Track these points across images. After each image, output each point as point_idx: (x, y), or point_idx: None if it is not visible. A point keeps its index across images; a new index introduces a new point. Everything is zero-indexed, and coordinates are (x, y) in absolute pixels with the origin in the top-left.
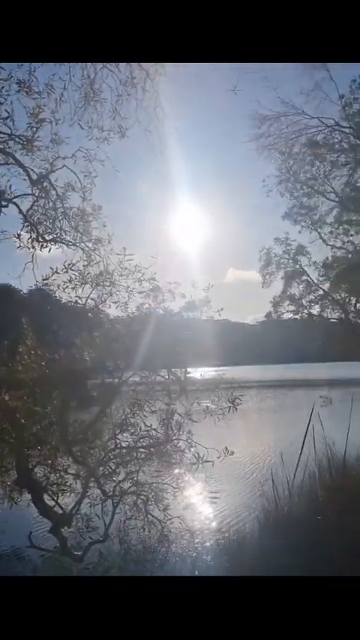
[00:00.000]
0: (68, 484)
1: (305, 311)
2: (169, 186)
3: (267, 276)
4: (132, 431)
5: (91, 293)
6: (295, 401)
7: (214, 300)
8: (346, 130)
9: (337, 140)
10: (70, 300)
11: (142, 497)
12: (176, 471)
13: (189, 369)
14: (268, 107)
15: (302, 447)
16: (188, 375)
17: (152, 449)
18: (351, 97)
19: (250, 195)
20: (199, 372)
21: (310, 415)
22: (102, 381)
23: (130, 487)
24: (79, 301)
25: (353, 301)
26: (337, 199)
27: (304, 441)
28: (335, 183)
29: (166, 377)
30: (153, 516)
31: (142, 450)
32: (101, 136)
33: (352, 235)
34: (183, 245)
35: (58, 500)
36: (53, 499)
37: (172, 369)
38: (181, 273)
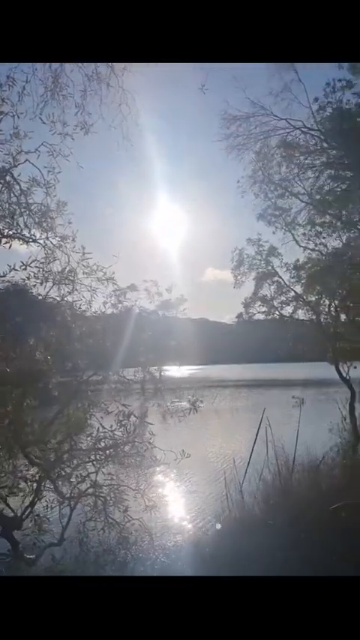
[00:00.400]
0: (20, 486)
1: (277, 312)
2: (147, 186)
3: (239, 277)
4: (89, 432)
5: (49, 290)
6: (270, 400)
7: (192, 299)
8: (314, 133)
9: (305, 142)
10: (34, 296)
11: (101, 498)
12: (137, 471)
13: (166, 368)
14: (237, 107)
15: (252, 451)
16: (164, 374)
17: (110, 450)
18: (325, 101)
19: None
20: (175, 371)
21: (260, 420)
22: (58, 380)
23: (87, 489)
24: (39, 298)
25: (327, 303)
26: (309, 201)
27: (253, 446)
28: (307, 184)
29: (135, 376)
30: (112, 518)
31: (99, 451)
32: (64, 132)
33: (324, 237)
34: (162, 244)
35: (11, 503)
36: (4, 501)
37: (148, 368)
38: (160, 271)
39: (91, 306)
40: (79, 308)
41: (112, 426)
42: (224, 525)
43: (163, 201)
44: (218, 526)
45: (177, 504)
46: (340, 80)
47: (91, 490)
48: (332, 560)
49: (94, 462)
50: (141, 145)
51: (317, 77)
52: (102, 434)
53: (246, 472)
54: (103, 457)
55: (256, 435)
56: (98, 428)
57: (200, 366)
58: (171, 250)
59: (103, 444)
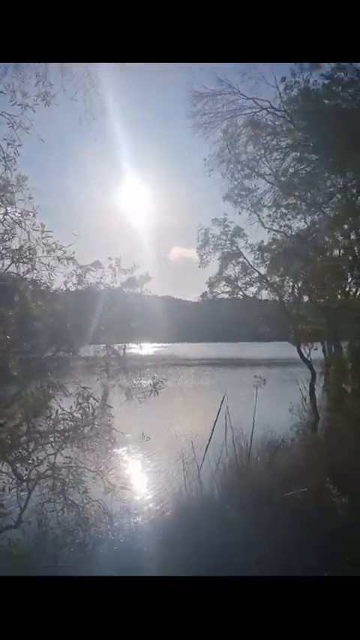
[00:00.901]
0: None
1: (240, 292)
2: (113, 162)
3: (204, 256)
4: (48, 415)
5: (7, 268)
6: (234, 379)
7: (158, 277)
8: (280, 114)
9: (272, 123)
10: None
11: (60, 480)
12: (97, 453)
13: (131, 345)
14: (204, 84)
15: (210, 436)
16: (128, 352)
17: (69, 433)
18: (292, 80)
19: (194, 173)
20: (139, 349)
21: (220, 407)
22: (17, 361)
23: (46, 471)
24: None
25: (290, 284)
26: (275, 182)
27: (212, 431)
28: (273, 165)
29: (98, 354)
30: (70, 500)
31: (57, 433)
32: (24, 103)
33: (289, 219)
34: (128, 220)
35: None
36: None
37: (112, 346)
38: (125, 249)
39: (51, 285)
40: (40, 286)
41: (71, 408)
42: (180, 506)
43: (130, 178)
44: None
45: (137, 485)
46: None
47: (49, 472)
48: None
49: (53, 444)
50: (105, 119)
51: None
52: (61, 416)
53: (204, 456)
54: (62, 439)
55: (215, 421)
56: (57, 410)
57: (165, 344)
58: (137, 228)
59: (62, 427)
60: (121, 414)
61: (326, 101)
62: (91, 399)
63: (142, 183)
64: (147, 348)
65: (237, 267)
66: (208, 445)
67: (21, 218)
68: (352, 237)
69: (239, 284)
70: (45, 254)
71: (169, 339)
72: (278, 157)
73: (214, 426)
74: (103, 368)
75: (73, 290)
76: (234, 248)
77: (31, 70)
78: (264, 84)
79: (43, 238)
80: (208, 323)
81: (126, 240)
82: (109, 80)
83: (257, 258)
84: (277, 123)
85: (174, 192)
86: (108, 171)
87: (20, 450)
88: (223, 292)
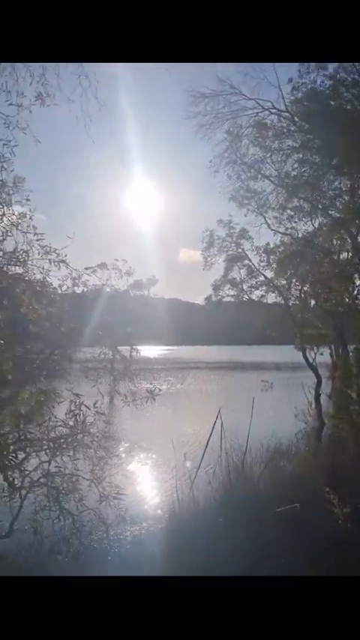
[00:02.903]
0: None
1: (246, 296)
2: (121, 164)
3: (209, 258)
4: (41, 421)
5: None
6: (241, 383)
7: (166, 280)
8: (284, 115)
9: (274, 124)
10: None
11: (54, 488)
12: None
13: (138, 348)
14: (205, 85)
15: (205, 448)
16: (136, 355)
17: (63, 440)
18: (299, 82)
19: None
20: (146, 351)
21: (215, 421)
22: (9, 366)
23: (39, 478)
24: None
25: (296, 288)
26: (280, 184)
27: (207, 442)
28: (278, 167)
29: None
30: (65, 509)
31: (51, 441)
32: (18, 102)
33: (295, 222)
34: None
35: None
36: None
37: (116, 348)
38: (133, 251)
39: (48, 288)
40: (36, 289)
41: (66, 414)
42: (173, 519)
43: (137, 180)
44: None
45: (133, 494)
46: None
47: (43, 480)
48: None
49: (47, 452)
50: (107, 121)
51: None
52: (53, 423)
53: (199, 465)
54: (56, 446)
55: (212, 429)
56: (50, 417)
57: (172, 347)
58: (145, 230)
59: (54, 434)
60: (127, 415)
61: (332, 102)
62: (83, 405)
63: (149, 184)
64: (153, 351)
65: (242, 270)
66: (203, 455)
67: (18, 220)
68: None
69: (244, 287)
70: (40, 256)
71: (176, 341)
72: (280, 159)
73: (210, 435)
74: (102, 371)
75: (69, 293)
76: (239, 250)
77: (27, 69)
78: (266, 84)
79: (37, 241)
80: (215, 326)
81: (133, 242)
82: (110, 80)
83: (263, 261)
84: (279, 124)
85: (182, 192)
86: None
87: (11, 457)
88: (228, 295)
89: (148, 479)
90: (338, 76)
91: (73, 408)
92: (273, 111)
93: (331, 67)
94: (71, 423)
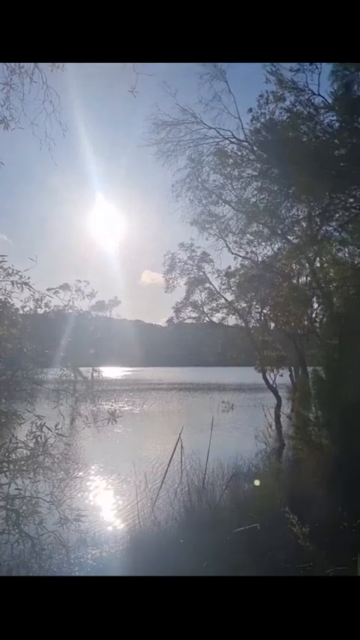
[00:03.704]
0: None
1: (207, 318)
2: (84, 187)
3: (170, 281)
4: (1, 443)
5: None
6: (202, 404)
7: (129, 301)
8: (244, 144)
9: (234, 153)
10: None
11: (13, 511)
12: (53, 483)
13: (99, 369)
14: (167, 113)
15: (166, 470)
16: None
17: (23, 462)
18: (259, 112)
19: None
20: (109, 372)
21: (176, 442)
22: None
23: None
24: None
25: (256, 311)
26: (243, 210)
27: (168, 465)
28: (237, 193)
29: (62, 377)
30: (24, 532)
31: (8, 463)
32: None
33: (255, 246)
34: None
35: None
36: None
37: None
38: (97, 273)
39: (10, 309)
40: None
41: (26, 436)
42: (134, 540)
43: (100, 203)
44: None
45: (97, 515)
46: (272, 92)
47: (2, 503)
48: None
49: (7, 474)
50: (70, 145)
51: (248, 90)
52: (14, 445)
53: (160, 487)
54: (16, 468)
55: (173, 452)
56: (11, 438)
57: (135, 368)
58: (108, 252)
59: (14, 456)
60: (86, 437)
61: (289, 134)
62: (45, 427)
63: (111, 207)
64: (116, 372)
65: (203, 293)
66: (164, 476)
67: None
68: (317, 264)
69: (205, 309)
70: (2, 278)
71: (138, 362)
72: (241, 186)
73: (171, 457)
74: (64, 393)
75: (31, 314)
76: (200, 273)
77: None
78: (226, 115)
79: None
80: (176, 347)
81: (96, 264)
82: (74, 106)
83: (224, 284)
84: (239, 153)
85: (145, 215)
86: (78, 196)
87: None
88: (189, 317)
89: (109, 500)
90: (295, 109)
91: (34, 430)
92: (233, 140)
93: (289, 100)
94: (32, 445)
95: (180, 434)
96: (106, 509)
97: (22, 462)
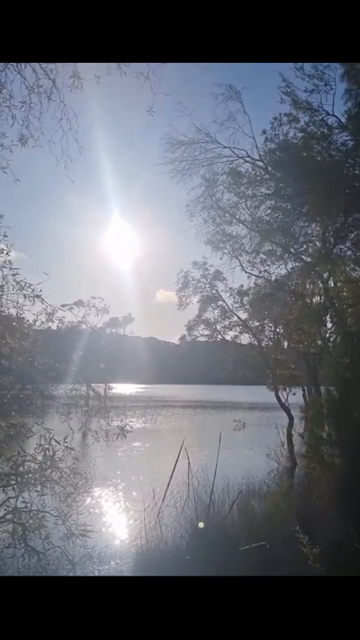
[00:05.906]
0: None
1: (219, 336)
2: (101, 203)
3: (183, 299)
4: (8, 456)
5: None
6: (214, 422)
7: (143, 319)
8: (259, 164)
9: (249, 172)
10: None
11: (20, 525)
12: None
13: (111, 385)
14: (183, 132)
15: (168, 485)
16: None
17: (30, 475)
18: (272, 133)
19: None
20: (121, 389)
21: (177, 459)
22: None
23: (6, 514)
24: None
25: (272, 328)
26: (254, 228)
27: (169, 480)
28: (254, 213)
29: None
30: (30, 546)
31: (19, 476)
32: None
33: (268, 265)
34: (114, 262)
35: None
36: None
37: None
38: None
39: (22, 323)
40: (13, 324)
41: (35, 449)
42: (141, 556)
43: (115, 221)
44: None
45: (104, 531)
46: (286, 114)
47: (9, 516)
48: None
49: (15, 487)
50: (87, 163)
51: (262, 110)
52: (22, 458)
53: (162, 502)
54: (24, 481)
55: (173, 470)
56: (19, 451)
57: (147, 385)
58: (123, 270)
59: (22, 469)
60: (97, 452)
61: (303, 153)
62: (53, 440)
63: (126, 225)
64: (128, 389)
65: (216, 311)
66: (165, 493)
67: None
68: (331, 283)
69: (218, 327)
70: (14, 291)
71: (151, 379)
72: (255, 205)
73: (172, 474)
74: (74, 407)
75: (44, 329)
76: (214, 291)
77: (10, 111)
78: (240, 134)
79: (12, 275)
80: (189, 365)
81: (111, 282)
82: (90, 124)
83: (236, 302)
84: (253, 172)
85: (159, 234)
86: (93, 213)
87: None
88: (202, 335)
89: (117, 516)
90: (309, 129)
91: (42, 443)
92: (247, 159)
93: (303, 120)
94: (40, 458)
95: (182, 446)
96: (114, 524)
97: (30, 475)
